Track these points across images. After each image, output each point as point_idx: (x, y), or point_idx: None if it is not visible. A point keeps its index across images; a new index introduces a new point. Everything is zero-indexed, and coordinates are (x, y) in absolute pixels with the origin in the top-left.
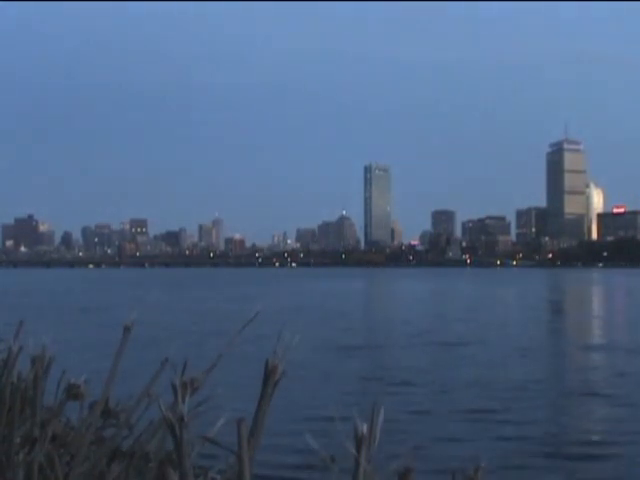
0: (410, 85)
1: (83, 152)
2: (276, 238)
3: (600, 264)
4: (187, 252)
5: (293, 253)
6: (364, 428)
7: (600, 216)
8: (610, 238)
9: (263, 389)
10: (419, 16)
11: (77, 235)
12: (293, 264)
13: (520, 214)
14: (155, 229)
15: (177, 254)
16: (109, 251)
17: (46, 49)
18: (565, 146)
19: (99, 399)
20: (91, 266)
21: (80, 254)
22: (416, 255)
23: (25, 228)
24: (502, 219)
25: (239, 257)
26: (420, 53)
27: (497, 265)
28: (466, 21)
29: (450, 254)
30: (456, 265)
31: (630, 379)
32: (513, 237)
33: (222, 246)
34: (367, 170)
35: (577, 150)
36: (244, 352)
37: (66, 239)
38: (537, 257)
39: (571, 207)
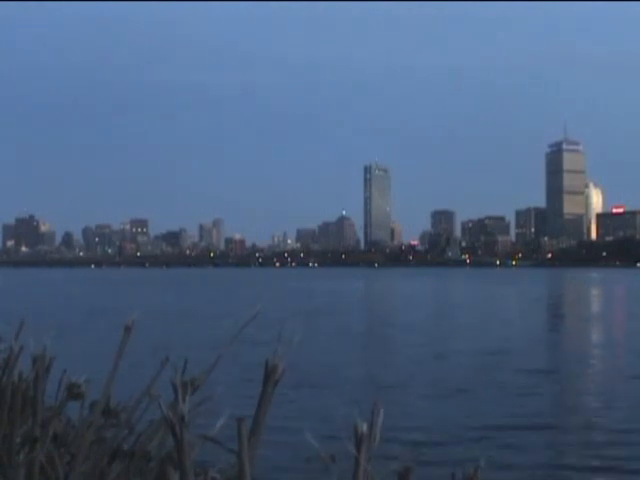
0: (410, 86)
1: (84, 152)
2: (276, 238)
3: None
4: (188, 252)
5: (293, 253)
6: (364, 427)
7: (599, 216)
8: (609, 238)
9: (263, 389)
10: (418, 18)
11: (78, 235)
12: (293, 264)
13: (519, 214)
14: (155, 229)
15: (178, 254)
16: (110, 251)
17: (45, 49)
18: (564, 146)
19: (100, 399)
20: (92, 266)
21: (81, 254)
22: (416, 255)
23: (26, 228)
24: (501, 219)
25: (239, 257)
26: (419, 54)
27: (497, 265)
28: (466, 22)
29: (450, 254)
30: (456, 265)
31: None
32: (512, 237)
33: (222, 246)
34: (367, 170)
35: (576, 150)
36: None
37: (67, 239)
38: (536, 257)
39: (570, 207)
